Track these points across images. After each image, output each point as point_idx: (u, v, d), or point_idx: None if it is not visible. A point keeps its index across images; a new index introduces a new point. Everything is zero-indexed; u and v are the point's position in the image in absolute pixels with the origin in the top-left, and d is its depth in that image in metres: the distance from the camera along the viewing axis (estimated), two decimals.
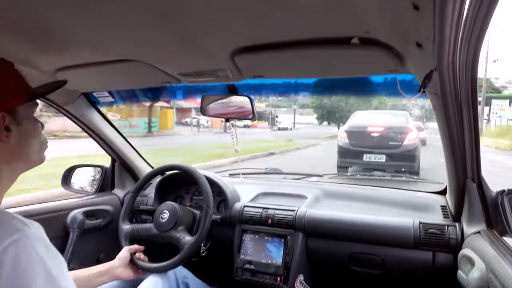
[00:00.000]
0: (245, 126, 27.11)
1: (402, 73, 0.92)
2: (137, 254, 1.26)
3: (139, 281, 1.18)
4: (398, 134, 6.43)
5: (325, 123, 27.18)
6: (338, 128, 21.83)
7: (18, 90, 0.67)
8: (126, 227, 1.37)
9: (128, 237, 1.35)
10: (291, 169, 2.49)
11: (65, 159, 4.33)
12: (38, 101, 0.76)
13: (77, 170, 1.74)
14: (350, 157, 6.61)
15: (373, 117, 7.80)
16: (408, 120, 7.03)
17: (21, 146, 0.67)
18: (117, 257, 1.21)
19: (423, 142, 8.61)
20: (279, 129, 27.69)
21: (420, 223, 1.19)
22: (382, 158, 6.33)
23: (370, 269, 1.27)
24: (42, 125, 0.75)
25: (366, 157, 6.42)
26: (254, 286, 1.35)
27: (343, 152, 6.79)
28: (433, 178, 1.77)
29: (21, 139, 0.67)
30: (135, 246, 1.28)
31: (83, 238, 1.45)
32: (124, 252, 1.23)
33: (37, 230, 0.59)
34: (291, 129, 28.75)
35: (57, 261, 0.59)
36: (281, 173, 1.95)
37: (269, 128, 28.49)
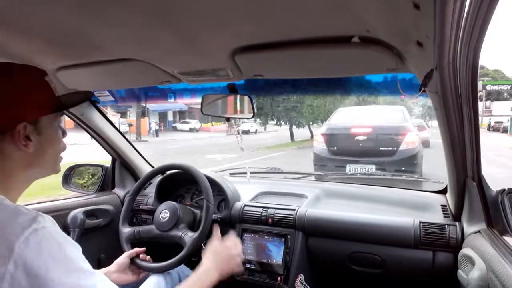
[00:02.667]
0: (191, 130, 22.03)
1: (402, 72, 0.92)
2: (140, 256, 1.23)
3: (142, 282, 1.17)
4: (393, 136, 5.00)
5: (272, 122, 19.62)
6: (290, 131, 16.51)
7: (44, 102, 0.69)
8: (126, 230, 1.34)
9: (130, 240, 1.32)
10: None
11: None
12: None
13: (77, 170, 1.75)
14: (328, 168, 5.02)
15: (360, 115, 6.16)
16: (405, 116, 5.56)
17: (38, 154, 0.68)
18: (114, 262, 1.19)
19: (426, 144, 7.20)
20: (238, 133, 21.91)
21: (420, 222, 1.19)
22: (371, 169, 4.82)
23: (370, 268, 1.27)
24: (64, 132, 0.76)
25: (350, 169, 4.91)
26: (254, 285, 1.35)
27: (319, 162, 5.29)
28: None
29: (39, 147, 0.68)
30: (136, 250, 1.25)
31: (84, 237, 1.45)
32: (122, 258, 1.20)
33: (50, 220, 0.62)
34: (255, 132, 22.55)
35: (75, 246, 0.63)
36: (282, 172, 1.95)
37: (227, 131, 21.12)
